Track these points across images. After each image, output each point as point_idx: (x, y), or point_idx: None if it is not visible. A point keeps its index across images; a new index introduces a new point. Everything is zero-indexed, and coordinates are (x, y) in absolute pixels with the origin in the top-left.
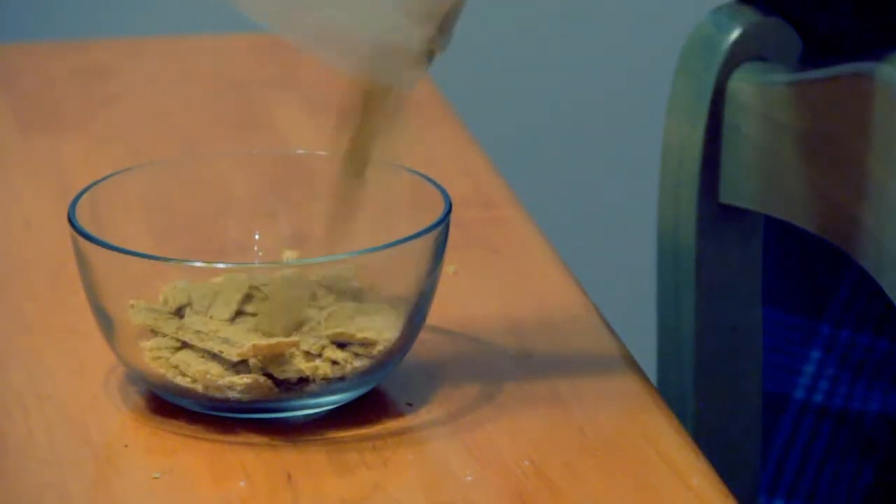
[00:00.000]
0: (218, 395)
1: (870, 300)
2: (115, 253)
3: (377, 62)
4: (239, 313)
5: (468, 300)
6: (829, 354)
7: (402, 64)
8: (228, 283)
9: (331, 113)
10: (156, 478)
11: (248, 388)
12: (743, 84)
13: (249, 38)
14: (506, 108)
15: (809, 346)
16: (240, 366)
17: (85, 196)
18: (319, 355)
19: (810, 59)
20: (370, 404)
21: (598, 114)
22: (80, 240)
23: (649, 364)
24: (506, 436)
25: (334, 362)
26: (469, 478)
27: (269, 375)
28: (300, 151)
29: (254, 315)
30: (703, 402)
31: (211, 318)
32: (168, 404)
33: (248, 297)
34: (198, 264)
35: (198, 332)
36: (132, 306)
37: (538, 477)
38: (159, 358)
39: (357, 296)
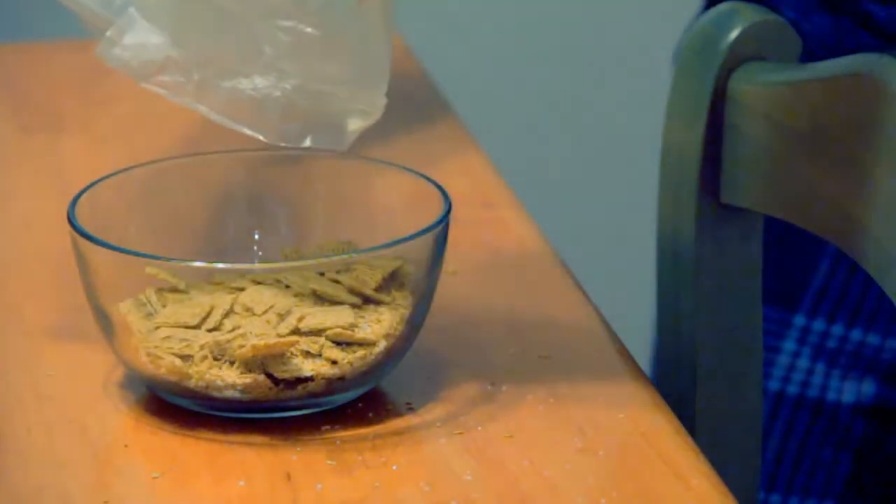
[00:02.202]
0: (218, 394)
1: (843, 290)
2: (115, 253)
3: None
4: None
5: (468, 300)
6: (803, 345)
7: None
8: (211, 296)
9: None
10: (156, 478)
11: (248, 387)
12: (743, 84)
13: None
14: (505, 107)
15: (783, 337)
16: (239, 365)
17: (85, 196)
18: (319, 355)
19: (810, 59)
20: (370, 404)
21: (597, 114)
22: (80, 240)
23: (649, 364)
24: (506, 436)
25: (334, 362)
26: (469, 478)
27: (268, 375)
28: (300, 151)
29: (232, 330)
30: (703, 402)
31: (187, 327)
32: (168, 404)
33: (228, 314)
34: (197, 264)
35: (184, 339)
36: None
37: (538, 477)
38: (159, 358)
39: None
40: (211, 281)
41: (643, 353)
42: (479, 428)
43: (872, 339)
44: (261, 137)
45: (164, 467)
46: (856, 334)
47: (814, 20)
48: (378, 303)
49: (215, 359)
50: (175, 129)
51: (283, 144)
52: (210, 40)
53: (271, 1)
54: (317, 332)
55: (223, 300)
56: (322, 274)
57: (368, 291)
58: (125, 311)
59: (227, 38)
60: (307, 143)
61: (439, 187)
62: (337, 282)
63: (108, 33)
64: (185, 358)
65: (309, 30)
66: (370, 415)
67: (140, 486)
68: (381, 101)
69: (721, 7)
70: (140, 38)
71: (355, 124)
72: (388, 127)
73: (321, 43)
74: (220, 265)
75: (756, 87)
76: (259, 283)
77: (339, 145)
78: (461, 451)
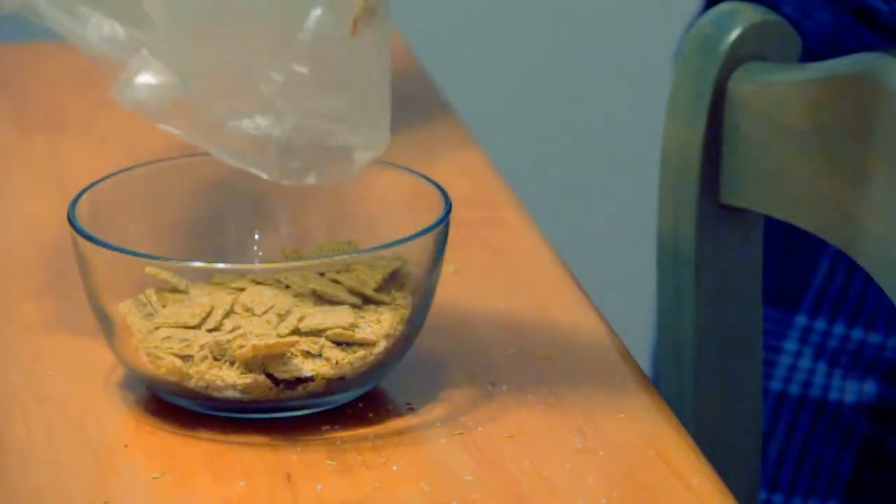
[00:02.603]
0: (218, 395)
1: (843, 290)
2: (115, 253)
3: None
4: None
5: (468, 300)
6: (805, 345)
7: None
8: (212, 296)
9: None
10: (156, 478)
11: (248, 387)
12: (743, 84)
13: None
14: (505, 107)
15: (784, 338)
16: (239, 365)
17: (85, 196)
18: (319, 355)
19: (811, 56)
20: (370, 404)
21: (598, 114)
22: (80, 240)
23: (649, 364)
24: (506, 436)
25: (335, 362)
26: (469, 478)
27: (269, 375)
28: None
29: (232, 330)
30: (703, 402)
31: (187, 327)
32: (168, 404)
33: (228, 314)
34: (197, 264)
35: (184, 340)
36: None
37: (538, 477)
38: (159, 358)
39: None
40: (211, 281)
41: (643, 353)
42: (479, 428)
43: (873, 338)
44: (265, 176)
45: (164, 467)
46: (857, 334)
47: (815, 17)
48: (378, 303)
49: (215, 359)
50: None
51: (286, 183)
52: (215, 80)
53: (260, 41)
54: (317, 333)
55: (223, 300)
56: (322, 274)
57: (368, 291)
58: (125, 311)
59: (229, 77)
60: (311, 180)
61: (439, 187)
62: (337, 282)
63: (122, 75)
64: (185, 358)
65: (300, 68)
66: (370, 415)
67: (140, 486)
68: (385, 136)
69: (721, 7)
70: (153, 79)
71: (362, 156)
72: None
73: (314, 80)
74: (220, 265)
75: (756, 87)
76: (259, 283)
77: (344, 179)
78: (461, 451)
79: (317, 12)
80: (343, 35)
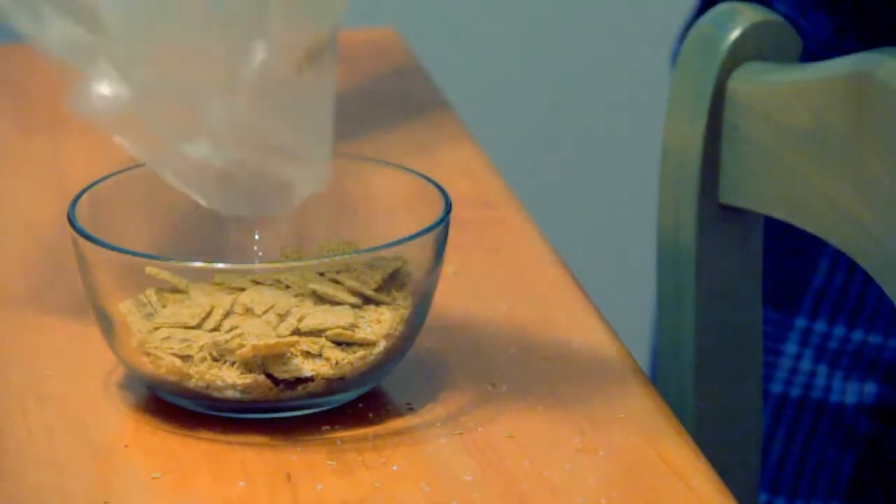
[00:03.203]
0: (218, 395)
1: (843, 291)
2: (115, 253)
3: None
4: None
5: (468, 300)
6: (805, 347)
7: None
8: (211, 296)
9: None
10: (156, 478)
11: (248, 387)
12: (743, 84)
13: None
14: (506, 108)
15: (785, 340)
16: (239, 366)
17: (85, 196)
18: (319, 355)
19: (809, 56)
20: (370, 404)
21: (597, 114)
22: (80, 240)
23: (649, 364)
24: (506, 436)
25: (335, 362)
26: (469, 478)
27: (268, 375)
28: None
29: (231, 330)
30: (703, 402)
31: (187, 327)
32: (168, 404)
33: (228, 314)
34: (197, 264)
35: (184, 340)
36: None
37: (538, 477)
38: (159, 358)
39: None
40: (211, 281)
41: (643, 353)
42: (479, 428)
43: (874, 339)
44: (203, 203)
45: (164, 467)
46: (857, 335)
47: (812, 17)
48: (378, 303)
49: (215, 359)
50: None
51: (222, 211)
52: (162, 101)
53: (206, 73)
54: (317, 333)
55: (223, 300)
56: (322, 274)
57: (368, 291)
58: (125, 311)
59: (175, 101)
60: (247, 211)
61: (439, 187)
62: (337, 282)
63: (79, 83)
64: (185, 358)
65: (244, 102)
66: (370, 415)
67: (140, 486)
68: (326, 173)
69: (721, 7)
70: (108, 90)
71: (301, 191)
72: (388, 126)
73: (257, 116)
74: (220, 265)
75: (756, 87)
76: (259, 283)
77: (281, 212)
78: (461, 451)
79: (261, 54)
80: (287, 75)
